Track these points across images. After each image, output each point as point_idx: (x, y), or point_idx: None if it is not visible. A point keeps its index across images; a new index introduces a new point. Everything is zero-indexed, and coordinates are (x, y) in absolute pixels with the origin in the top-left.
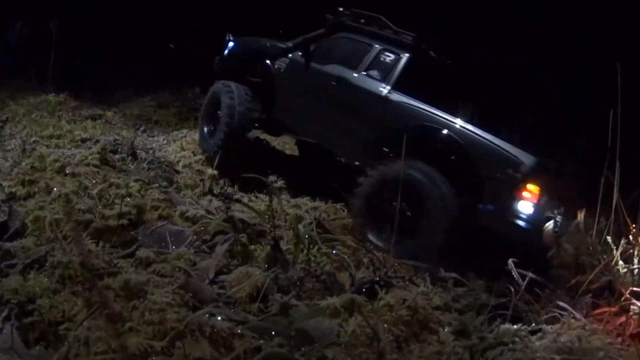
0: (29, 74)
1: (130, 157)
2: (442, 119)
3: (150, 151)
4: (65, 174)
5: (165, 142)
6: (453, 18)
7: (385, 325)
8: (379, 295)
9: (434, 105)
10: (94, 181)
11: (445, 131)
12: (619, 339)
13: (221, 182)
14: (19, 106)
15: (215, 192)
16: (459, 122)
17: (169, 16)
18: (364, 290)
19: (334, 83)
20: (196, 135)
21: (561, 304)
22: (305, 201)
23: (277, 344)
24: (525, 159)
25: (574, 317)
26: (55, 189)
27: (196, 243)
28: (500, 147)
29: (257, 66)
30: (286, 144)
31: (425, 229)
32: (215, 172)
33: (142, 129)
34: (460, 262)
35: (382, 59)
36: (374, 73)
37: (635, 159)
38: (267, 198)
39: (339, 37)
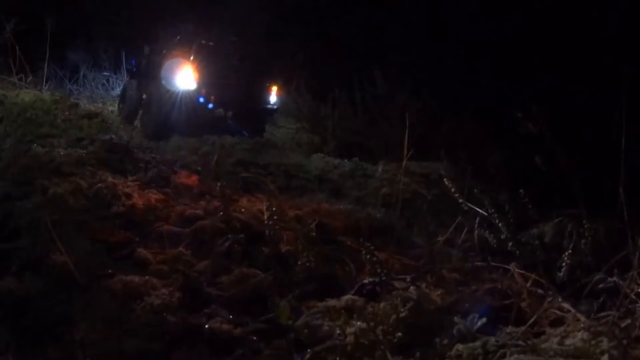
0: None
1: (127, 157)
2: None
3: (148, 151)
4: (61, 174)
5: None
6: None
7: (386, 328)
8: (380, 297)
9: None
10: (91, 181)
11: None
12: (624, 342)
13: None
14: (13, 105)
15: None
16: None
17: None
18: (364, 292)
19: None
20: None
21: (565, 305)
22: (304, 201)
23: (276, 347)
24: None
25: (578, 319)
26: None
27: (194, 244)
28: None
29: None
30: None
31: None
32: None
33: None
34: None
35: None
36: None
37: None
38: (266, 198)
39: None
